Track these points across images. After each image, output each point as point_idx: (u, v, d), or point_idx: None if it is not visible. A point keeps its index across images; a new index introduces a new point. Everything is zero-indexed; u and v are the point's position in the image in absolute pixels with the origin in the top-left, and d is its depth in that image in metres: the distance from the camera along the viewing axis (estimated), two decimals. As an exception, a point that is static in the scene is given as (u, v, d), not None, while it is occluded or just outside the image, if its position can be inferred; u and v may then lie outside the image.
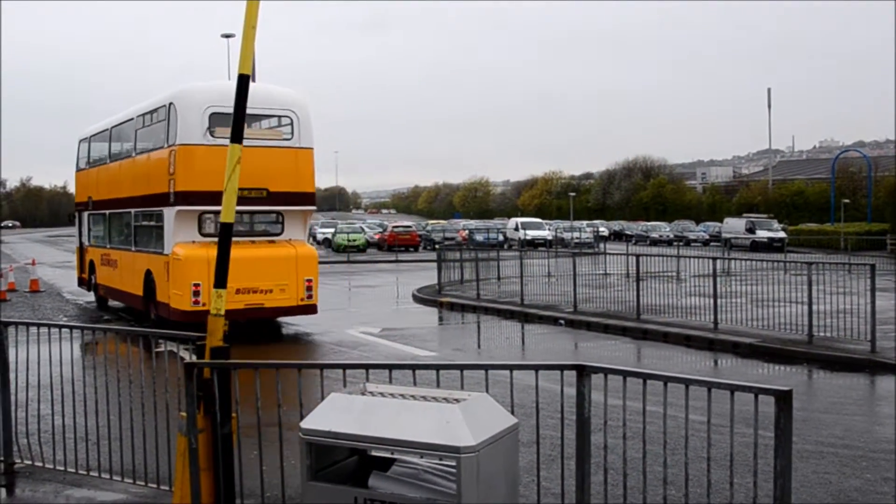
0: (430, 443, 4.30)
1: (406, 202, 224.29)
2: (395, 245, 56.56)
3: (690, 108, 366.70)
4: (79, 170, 25.99)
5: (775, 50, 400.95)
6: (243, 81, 6.29)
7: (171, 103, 17.88)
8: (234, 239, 17.25)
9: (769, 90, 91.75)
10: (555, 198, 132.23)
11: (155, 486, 7.34)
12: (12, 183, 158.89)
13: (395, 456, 4.71)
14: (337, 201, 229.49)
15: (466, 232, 61.27)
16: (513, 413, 4.88)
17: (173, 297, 17.22)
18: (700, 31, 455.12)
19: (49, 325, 8.47)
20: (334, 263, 45.49)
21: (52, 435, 8.19)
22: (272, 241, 18.35)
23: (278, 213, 18.55)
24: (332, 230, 62.66)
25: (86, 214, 25.14)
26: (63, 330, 8.80)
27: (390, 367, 5.71)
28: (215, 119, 17.23)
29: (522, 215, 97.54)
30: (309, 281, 17.91)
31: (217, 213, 17.62)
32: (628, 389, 4.92)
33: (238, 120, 6.37)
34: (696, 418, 5.73)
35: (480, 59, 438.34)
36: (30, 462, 8.12)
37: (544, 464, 7.10)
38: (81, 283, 26.27)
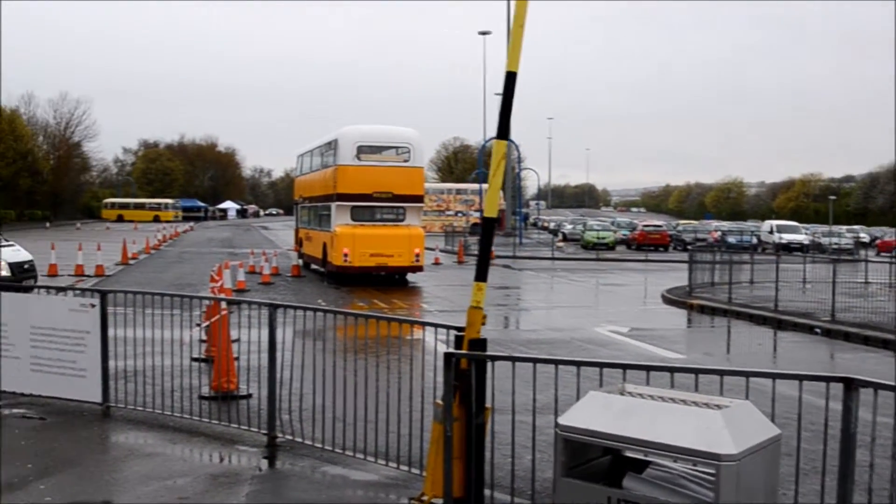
0: (688, 448, 4.22)
1: (656, 201, 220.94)
2: (645, 244, 56.12)
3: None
4: (296, 176, 38.85)
5: None
6: (511, 79, 6.28)
7: (335, 139, 28.31)
8: (371, 223, 25.20)
9: None
10: (812, 201, 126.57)
11: (406, 469, 7.57)
12: (277, 173, 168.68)
13: (648, 458, 4.64)
14: (586, 198, 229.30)
15: (718, 233, 59.74)
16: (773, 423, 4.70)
17: (334, 258, 27.75)
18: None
19: (314, 310, 8.90)
20: (583, 260, 45.50)
21: (312, 413, 8.56)
22: (396, 225, 28.15)
23: (401, 207, 28.32)
24: (581, 227, 62.66)
25: (298, 207, 37.09)
26: (326, 314, 9.22)
27: (648, 369, 5.64)
28: (361, 149, 27.90)
29: (777, 218, 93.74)
30: (417, 251, 27.81)
31: (360, 207, 26.94)
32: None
33: (504, 117, 6.39)
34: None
35: (747, 55, 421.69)
36: (290, 437, 8.57)
37: (800, 478, 6.79)
38: (299, 255, 36.24)
